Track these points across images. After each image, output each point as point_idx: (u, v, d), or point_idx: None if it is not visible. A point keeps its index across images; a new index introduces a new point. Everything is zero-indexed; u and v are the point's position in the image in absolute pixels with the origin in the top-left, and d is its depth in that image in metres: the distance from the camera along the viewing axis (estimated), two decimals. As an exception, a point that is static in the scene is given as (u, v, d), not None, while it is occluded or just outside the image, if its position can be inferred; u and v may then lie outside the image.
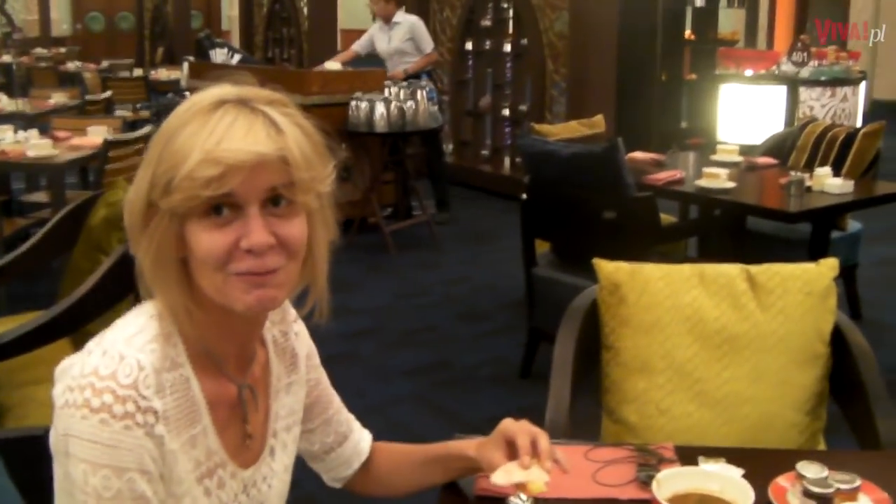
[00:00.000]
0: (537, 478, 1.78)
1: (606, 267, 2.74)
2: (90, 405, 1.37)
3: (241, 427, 1.60)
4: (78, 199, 4.38)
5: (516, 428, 1.86)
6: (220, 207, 1.42)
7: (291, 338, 1.76)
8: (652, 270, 2.73)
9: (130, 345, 1.43)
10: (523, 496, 1.93)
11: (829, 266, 2.75)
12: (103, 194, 4.18)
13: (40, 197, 7.15)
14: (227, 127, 1.40)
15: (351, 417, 1.98)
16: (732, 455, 2.11)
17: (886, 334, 5.95)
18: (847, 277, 5.99)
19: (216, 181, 1.38)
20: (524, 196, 5.24)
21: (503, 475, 1.80)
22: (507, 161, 10.73)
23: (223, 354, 1.56)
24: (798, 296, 2.68)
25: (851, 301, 6.05)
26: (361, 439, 1.99)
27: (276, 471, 1.69)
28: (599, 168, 4.71)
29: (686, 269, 2.77)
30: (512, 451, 1.84)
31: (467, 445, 1.92)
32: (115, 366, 1.40)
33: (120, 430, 1.37)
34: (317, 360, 1.86)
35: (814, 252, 4.97)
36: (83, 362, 1.42)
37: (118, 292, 3.78)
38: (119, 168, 6.10)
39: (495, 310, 6.57)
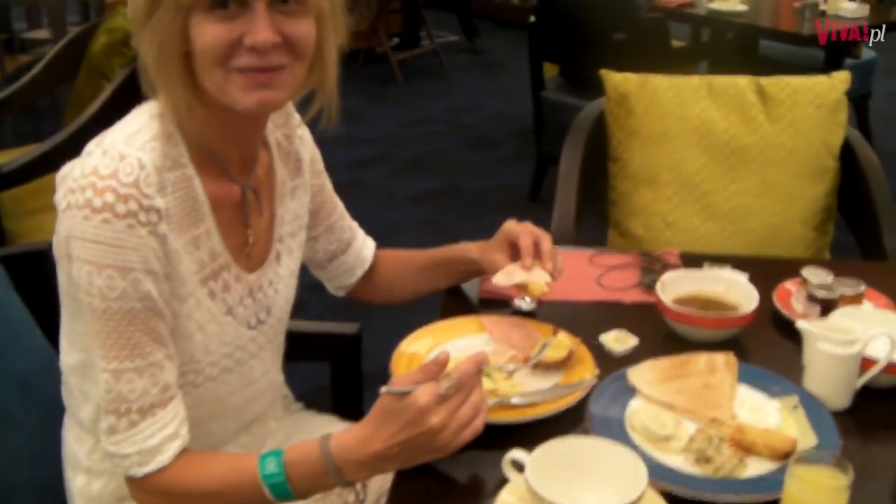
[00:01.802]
0: (539, 278, 1.77)
1: (614, 78, 2.69)
2: (92, 205, 1.34)
3: (242, 230, 1.58)
4: (78, 29, 4.30)
5: (519, 229, 1.84)
6: (227, 0, 1.37)
7: (296, 142, 1.72)
8: (660, 81, 2.68)
9: (131, 144, 1.39)
10: (527, 299, 1.93)
11: (840, 79, 2.69)
12: (103, 21, 4.10)
13: (42, 34, 7.02)
14: None
15: (354, 225, 1.96)
16: (738, 262, 2.10)
17: (894, 163, 5.89)
18: (859, 107, 5.90)
19: None
20: (532, 18, 5.14)
21: (504, 276, 1.79)
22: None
23: (226, 155, 1.52)
24: (808, 108, 2.63)
25: (863, 131, 5.92)
26: (364, 246, 1.97)
27: (282, 276, 1.68)
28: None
29: (695, 80, 2.72)
30: (515, 253, 1.83)
31: (470, 248, 1.91)
32: (115, 165, 1.35)
33: (123, 229, 1.35)
34: (320, 165, 1.83)
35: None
36: (83, 164, 1.38)
37: (121, 117, 3.74)
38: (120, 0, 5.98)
39: (504, 137, 6.52)
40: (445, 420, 1.36)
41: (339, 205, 1.91)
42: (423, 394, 1.35)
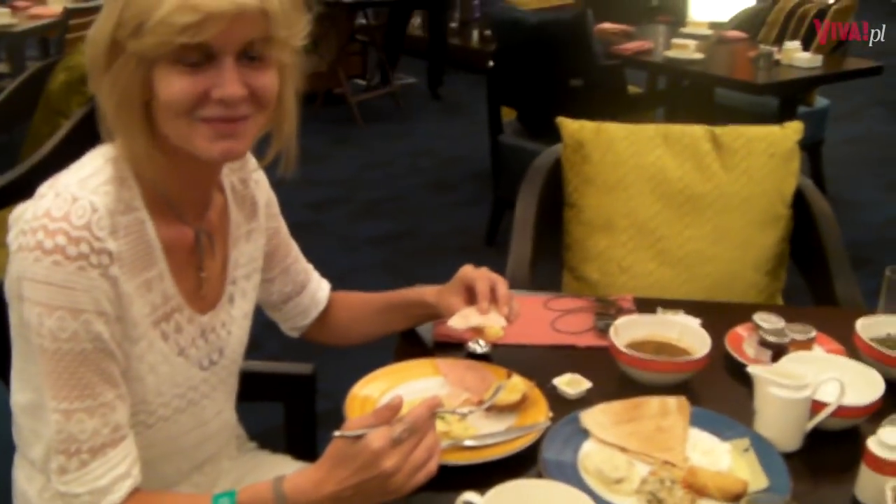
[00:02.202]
0: (494, 322, 1.78)
1: (571, 126, 2.72)
2: (43, 247, 1.33)
3: (195, 273, 1.59)
4: (37, 66, 4.29)
5: (475, 274, 1.86)
6: (194, 55, 1.37)
7: (251, 185, 1.73)
8: (616, 129, 2.71)
9: (84, 187, 1.39)
10: (481, 342, 1.94)
11: (793, 129, 2.74)
12: (62, 59, 4.09)
13: (1, 68, 6.99)
14: None
15: (309, 267, 1.97)
16: (691, 307, 2.12)
17: (849, 211, 5.98)
18: (812, 154, 5.99)
19: (193, 28, 1.33)
20: (491, 63, 5.19)
21: (461, 319, 1.80)
22: (475, 34, 10.60)
23: (180, 199, 1.53)
24: (762, 157, 2.68)
25: (816, 177, 6.05)
26: (319, 289, 1.98)
27: (235, 317, 1.68)
28: (567, 36, 4.67)
29: (650, 128, 2.75)
30: (471, 297, 1.84)
31: (427, 292, 1.92)
32: (67, 207, 1.36)
33: (74, 272, 1.35)
34: (276, 208, 1.84)
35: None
36: (36, 205, 1.37)
37: (78, 155, 3.72)
38: (80, 36, 5.95)
39: (462, 181, 6.54)
40: (399, 463, 1.36)
41: (295, 247, 1.92)
42: (377, 438, 1.36)
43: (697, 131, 2.73)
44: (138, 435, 1.49)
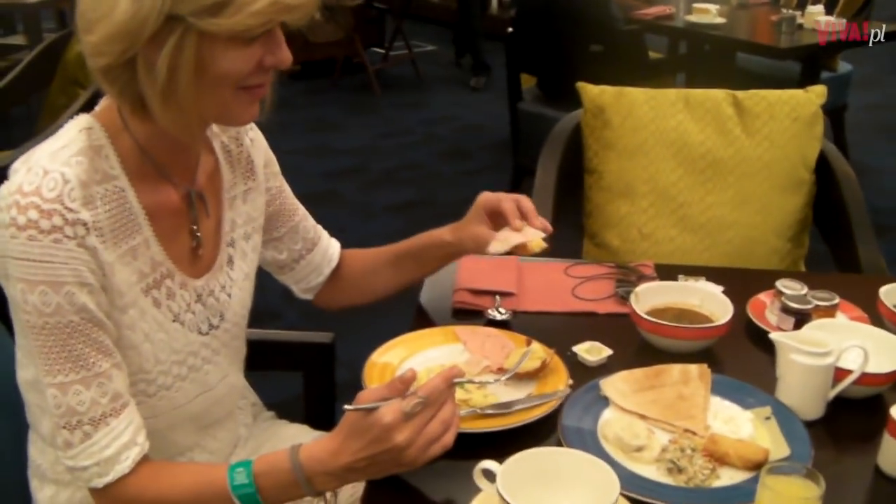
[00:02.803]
0: (534, 236, 1.75)
1: (591, 90, 2.69)
2: (17, 223, 1.32)
3: (187, 236, 1.57)
4: (53, 37, 4.28)
5: (497, 197, 1.83)
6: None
7: (246, 144, 1.70)
8: (637, 94, 2.69)
9: (55, 159, 1.37)
10: (501, 309, 1.93)
11: (816, 93, 2.70)
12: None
13: (17, 40, 6.98)
14: None
15: (319, 227, 1.95)
16: (713, 273, 2.10)
17: (870, 177, 5.94)
18: (835, 119, 5.93)
19: (295, 10, 1.35)
20: (510, 30, 5.15)
21: (499, 244, 1.75)
22: (494, 1, 10.53)
23: (167, 162, 1.51)
24: (784, 121, 2.64)
25: (839, 142, 6.00)
26: (330, 246, 1.96)
27: (235, 279, 1.66)
28: (586, 1, 4.63)
29: (672, 93, 2.72)
30: (495, 222, 1.82)
31: (442, 232, 1.90)
32: (38, 181, 1.34)
33: (50, 245, 1.33)
34: (276, 168, 1.81)
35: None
36: (9, 182, 1.36)
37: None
38: (97, 8, 5.93)
39: (480, 149, 6.51)
40: (411, 437, 1.35)
41: (301, 207, 1.89)
42: (388, 412, 1.35)
43: (719, 95, 2.70)
44: (141, 405, 1.48)
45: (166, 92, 1.37)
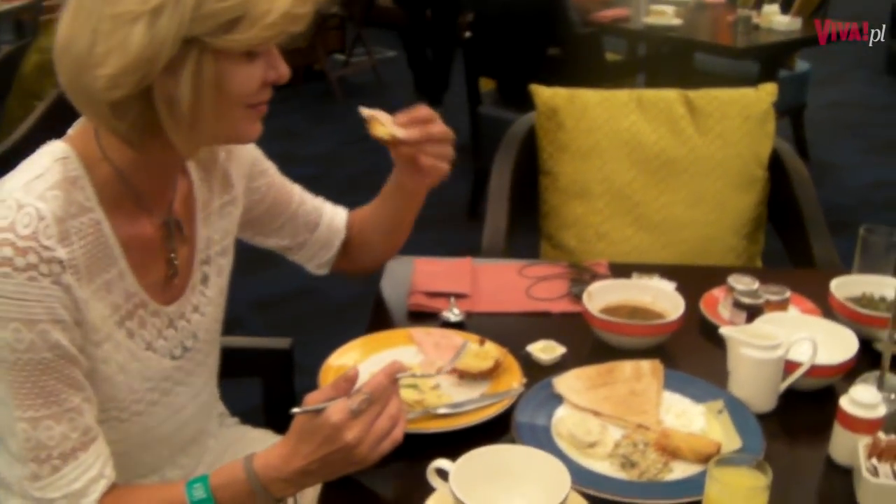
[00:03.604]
0: (389, 126, 1.74)
1: (544, 93, 2.70)
2: None
3: (162, 264, 1.55)
4: (9, 48, 4.25)
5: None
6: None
7: (221, 158, 1.69)
8: (590, 96, 2.71)
9: (29, 191, 1.34)
10: (455, 310, 1.94)
11: (767, 91, 2.73)
12: (35, 40, 4.06)
13: (-26, 53, 6.93)
14: None
15: (318, 202, 1.95)
16: (666, 271, 2.12)
17: (830, 173, 5.99)
18: (794, 118, 5.99)
19: (301, 19, 1.37)
20: (468, 34, 5.17)
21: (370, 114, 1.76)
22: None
23: (145, 189, 1.49)
24: (736, 120, 2.67)
25: (798, 141, 6.06)
26: (335, 218, 1.97)
27: (210, 297, 1.65)
28: (543, 5, 4.65)
29: (624, 94, 2.75)
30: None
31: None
32: (13, 216, 1.31)
33: (24, 282, 1.30)
34: (264, 164, 1.81)
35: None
36: None
37: (52, 137, 3.70)
38: (53, 19, 5.88)
39: None
40: (360, 434, 1.36)
41: (295, 192, 1.90)
42: (335, 411, 1.35)
43: (671, 95, 2.72)
44: (111, 429, 1.47)
45: (189, 116, 1.36)
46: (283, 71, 1.43)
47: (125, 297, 1.48)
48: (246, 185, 1.76)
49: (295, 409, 1.38)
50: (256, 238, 1.88)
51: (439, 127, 1.76)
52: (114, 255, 1.45)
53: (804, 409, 1.69)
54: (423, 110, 1.73)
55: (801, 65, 6.04)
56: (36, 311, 1.32)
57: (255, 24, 1.32)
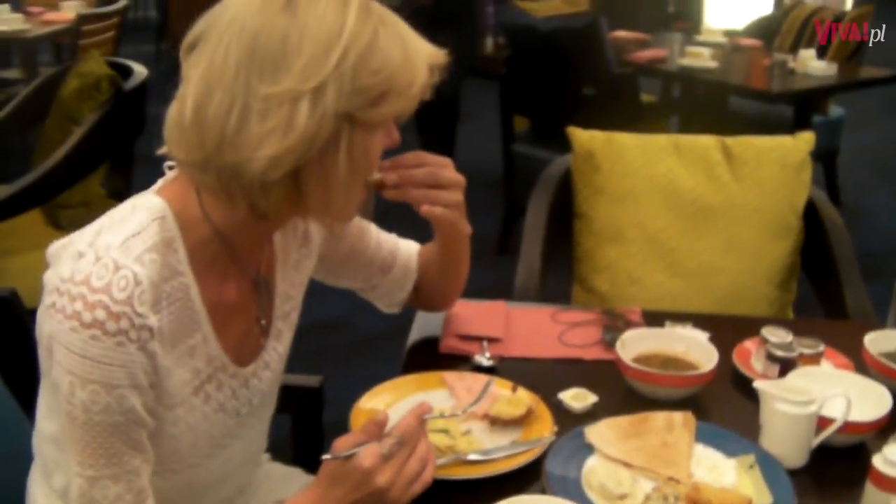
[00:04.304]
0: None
1: (581, 135, 2.71)
2: (81, 319, 1.26)
3: (243, 323, 1.53)
4: (49, 71, 4.30)
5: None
6: None
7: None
8: (627, 139, 2.71)
9: (127, 252, 1.31)
10: (488, 355, 1.94)
11: (804, 140, 2.73)
12: (74, 65, 4.11)
13: (13, 74, 7.00)
14: (408, 30, 1.39)
15: (394, 242, 1.93)
16: (700, 320, 2.11)
17: (863, 219, 5.96)
18: (827, 163, 5.97)
19: (429, 88, 1.39)
20: (504, 70, 5.19)
21: None
22: (489, 41, 10.58)
23: (243, 248, 1.48)
24: (773, 168, 2.66)
25: (831, 186, 6.04)
26: (410, 258, 1.95)
27: (280, 353, 1.64)
28: (580, 44, 4.68)
29: (661, 138, 2.75)
30: None
31: None
32: (109, 277, 1.27)
33: (112, 347, 1.27)
34: None
35: (795, 135, 4.97)
36: (75, 267, 1.29)
37: (90, 162, 3.74)
38: (92, 42, 5.95)
39: (474, 187, 6.37)
40: (392, 478, 1.36)
41: (372, 235, 1.87)
42: (367, 455, 1.35)
43: (708, 142, 2.72)
44: (163, 480, 1.45)
45: (342, 191, 1.37)
46: (397, 137, 1.43)
47: (207, 362, 1.46)
48: (324, 236, 1.73)
49: (325, 456, 1.38)
50: (328, 279, 1.85)
51: (424, 171, 1.68)
52: (199, 320, 1.43)
53: (836, 465, 1.68)
54: (408, 155, 1.67)
55: (836, 110, 6.03)
56: (118, 375, 1.30)
57: (400, 95, 1.34)
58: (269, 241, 1.57)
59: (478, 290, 2.14)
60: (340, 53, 1.28)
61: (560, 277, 2.78)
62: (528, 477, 1.57)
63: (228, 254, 1.46)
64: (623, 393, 1.86)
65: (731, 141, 2.71)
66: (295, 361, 1.96)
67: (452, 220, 1.75)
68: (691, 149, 2.70)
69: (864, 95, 6.07)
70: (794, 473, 1.61)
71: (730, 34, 6.31)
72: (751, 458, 1.62)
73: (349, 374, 2.07)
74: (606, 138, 2.70)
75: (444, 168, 1.70)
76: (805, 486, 1.59)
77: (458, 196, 1.72)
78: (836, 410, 1.67)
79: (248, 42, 1.28)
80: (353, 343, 3.83)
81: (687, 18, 8.14)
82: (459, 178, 1.72)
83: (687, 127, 6.13)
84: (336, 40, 1.29)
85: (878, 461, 1.51)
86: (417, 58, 1.36)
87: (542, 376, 1.92)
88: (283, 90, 1.27)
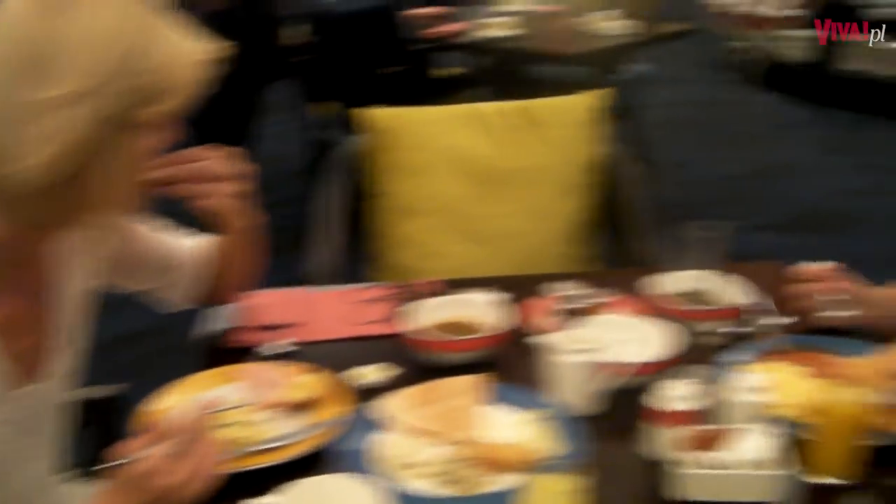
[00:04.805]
0: None
1: (372, 113, 2.70)
2: None
3: (32, 337, 1.50)
4: None
5: None
6: None
7: None
8: (419, 113, 2.73)
9: None
10: (284, 342, 1.93)
11: (597, 95, 2.79)
12: None
13: None
14: (179, 28, 1.36)
15: (176, 239, 1.89)
16: (499, 283, 2.13)
17: (669, 172, 6.11)
18: (634, 118, 6.09)
19: (205, 81, 1.37)
20: (301, 58, 5.16)
21: None
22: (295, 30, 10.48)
23: (26, 263, 1.46)
24: (564, 128, 2.72)
25: (637, 141, 6.14)
26: (197, 253, 1.90)
27: (73, 365, 1.61)
28: (373, 24, 4.69)
29: (458, 109, 2.78)
30: None
31: None
32: None
33: None
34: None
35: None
36: None
37: None
38: None
39: (281, 180, 6.33)
40: (173, 477, 1.33)
41: (154, 235, 1.84)
42: (144, 459, 1.33)
43: (503, 108, 2.76)
44: None
45: (121, 192, 1.35)
46: (175, 134, 1.42)
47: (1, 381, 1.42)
48: (109, 240, 1.70)
49: (101, 466, 1.35)
50: (120, 284, 1.81)
51: (196, 166, 1.65)
52: None
53: (629, 407, 1.70)
54: (181, 152, 1.64)
55: (641, 67, 6.15)
56: None
57: (175, 93, 1.33)
58: (54, 250, 1.53)
59: (285, 280, 2.13)
60: (112, 56, 1.27)
61: (360, 260, 2.78)
62: (326, 458, 1.57)
63: (11, 266, 1.42)
64: (418, 364, 1.87)
65: (523, 105, 2.75)
66: (102, 374, 1.92)
67: (228, 211, 1.73)
68: (484, 116, 2.73)
69: (672, 51, 6.20)
70: (590, 420, 1.65)
71: (535, 1, 6.37)
72: (543, 412, 1.65)
73: (158, 382, 2.02)
74: (397, 114, 2.71)
75: (218, 161, 1.68)
76: (600, 430, 1.63)
77: (232, 188, 1.70)
78: (623, 355, 1.72)
79: (13, 49, 1.25)
80: (161, 350, 3.73)
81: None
82: (237, 170, 1.70)
83: (495, 97, 6.19)
84: (107, 42, 1.27)
85: (656, 398, 1.56)
86: (190, 55, 1.36)
87: (342, 357, 1.91)
88: (54, 95, 1.24)
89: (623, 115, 5.76)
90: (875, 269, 2.04)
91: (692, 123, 7.37)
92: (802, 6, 8.21)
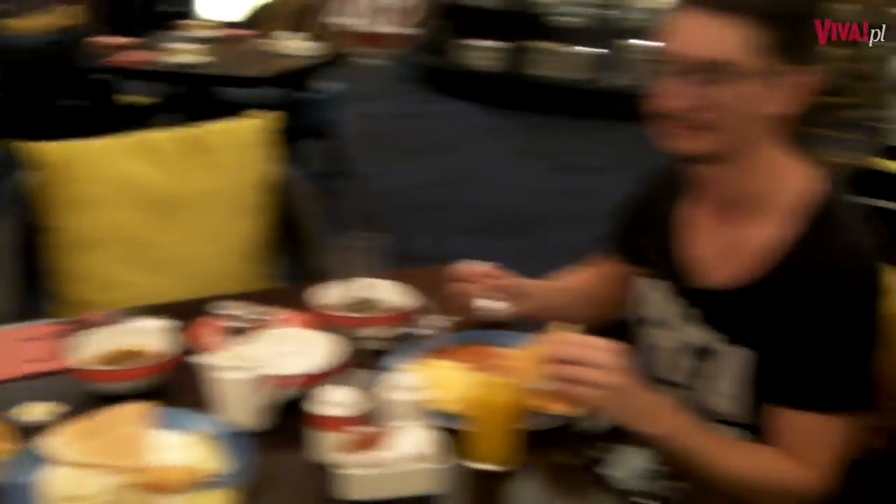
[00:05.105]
0: None
1: (41, 148, 2.66)
2: None
3: None
4: None
5: None
6: None
7: None
8: (90, 145, 2.70)
9: None
10: None
11: (267, 117, 2.86)
12: None
13: None
14: None
15: None
16: (168, 309, 2.14)
17: (364, 184, 6.23)
18: (331, 136, 6.18)
19: None
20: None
21: None
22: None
23: None
24: (233, 151, 2.77)
25: (334, 158, 6.25)
26: None
27: None
28: (53, 56, 4.59)
29: (125, 139, 2.76)
30: None
31: None
32: None
33: None
34: None
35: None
36: None
37: None
38: None
39: None
40: None
41: None
42: None
43: (173, 135, 2.78)
44: None
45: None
46: None
47: None
48: None
49: None
50: None
51: None
52: None
53: (302, 417, 1.75)
54: None
55: (333, 85, 6.24)
56: None
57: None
58: None
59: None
60: None
61: (43, 294, 2.72)
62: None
63: None
64: (86, 397, 1.86)
65: (194, 131, 2.79)
66: None
67: None
68: (156, 145, 2.74)
69: (367, 69, 6.29)
70: (263, 433, 1.71)
71: (224, 26, 6.37)
72: (210, 431, 1.69)
73: None
74: (71, 147, 2.67)
75: None
76: (273, 442, 1.70)
77: None
78: (284, 368, 1.78)
79: None
80: None
81: (180, 17, 8.12)
82: None
83: (190, 122, 6.13)
84: None
85: (314, 405, 1.64)
86: None
87: (7, 396, 1.88)
88: None
89: (318, 134, 5.88)
90: (561, 264, 2.20)
91: (387, 136, 7.55)
92: (418, 25, 8.71)
